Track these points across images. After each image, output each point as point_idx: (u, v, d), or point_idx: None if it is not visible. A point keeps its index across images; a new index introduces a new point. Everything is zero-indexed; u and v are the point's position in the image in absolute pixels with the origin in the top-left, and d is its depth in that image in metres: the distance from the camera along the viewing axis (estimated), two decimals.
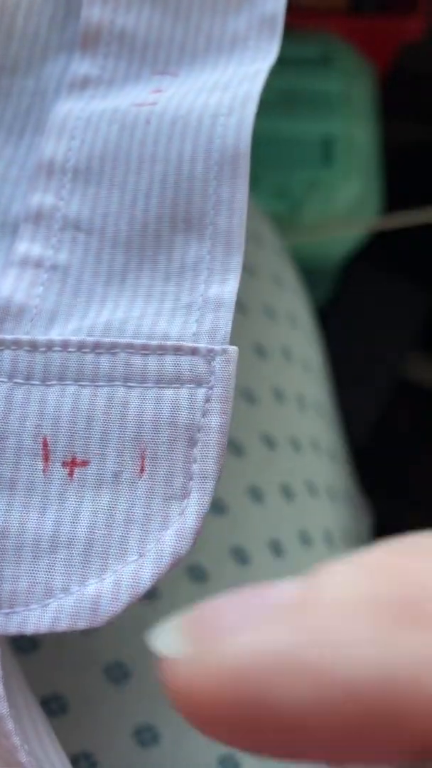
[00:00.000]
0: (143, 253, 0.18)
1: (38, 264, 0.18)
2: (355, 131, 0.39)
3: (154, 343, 0.17)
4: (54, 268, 0.18)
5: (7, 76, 0.21)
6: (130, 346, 0.17)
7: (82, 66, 0.20)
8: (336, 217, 0.38)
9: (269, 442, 0.27)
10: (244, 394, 0.27)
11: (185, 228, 0.18)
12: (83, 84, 0.20)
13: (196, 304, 0.17)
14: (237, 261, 0.17)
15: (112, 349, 0.17)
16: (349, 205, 0.38)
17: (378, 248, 0.47)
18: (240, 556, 0.25)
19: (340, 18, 0.43)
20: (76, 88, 0.20)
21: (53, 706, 0.21)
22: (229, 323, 0.17)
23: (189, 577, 0.24)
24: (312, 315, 0.34)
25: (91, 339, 0.17)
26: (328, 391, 0.34)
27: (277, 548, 0.26)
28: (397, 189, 0.44)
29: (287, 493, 0.27)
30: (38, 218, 0.18)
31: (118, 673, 0.22)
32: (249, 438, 0.27)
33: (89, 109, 0.19)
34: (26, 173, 0.19)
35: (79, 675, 0.21)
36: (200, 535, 0.15)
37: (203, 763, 0.21)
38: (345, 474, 0.33)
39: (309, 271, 0.41)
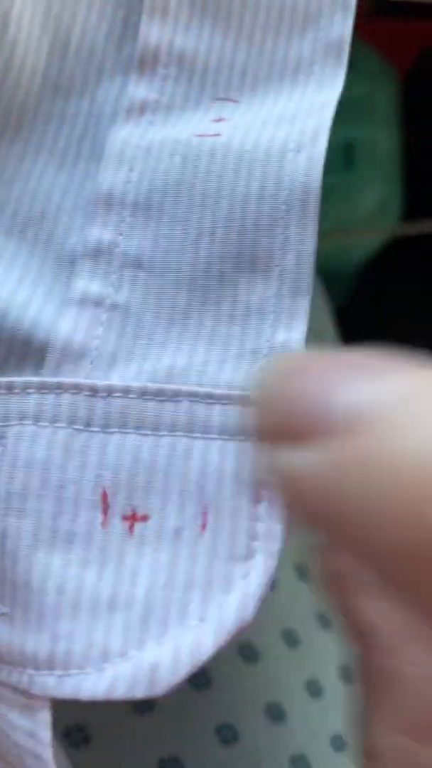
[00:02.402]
0: (207, 294, 0.17)
1: (98, 303, 0.17)
2: (377, 135, 0.39)
3: (218, 392, 0.16)
4: (114, 307, 0.17)
5: (61, 98, 0.20)
6: (194, 394, 0.16)
7: (140, 89, 0.19)
8: (357, 223, 0.38)
9: None
10: None
11: (251, 269, 0.17)
12: (141, 109, 0.19)
13: (262, 350, 0.16)
14: (304, 305, 0.17)
15: (175, 396, 0.16)
16: (371, 211, 0.38)
17: (397, 253, 0.47)
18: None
19: (362, 21, 0.42)
20: (134, 113, 0.19)
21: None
22: None
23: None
24: None
25: (153, 385, 0.16)
26: None
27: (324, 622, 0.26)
28: (419, 194, 0.44)
29: None
30: (97, 254, 0.18)
31: (227, 734, 0.22)
32: None
33: (148, 138, 0.18)
34: (81, 203, 0.19)
35: (195, 736, 0.21)
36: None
37: None
38: None
39: (325, 276, 0.40)
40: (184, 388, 0.16)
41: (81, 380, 0.16)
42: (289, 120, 0.18)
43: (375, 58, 0.41)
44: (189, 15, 0.20)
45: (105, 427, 0.16)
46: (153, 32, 0.19)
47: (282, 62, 0.19)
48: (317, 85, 0.19)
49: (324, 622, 0.25)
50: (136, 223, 0.18)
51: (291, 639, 0.24)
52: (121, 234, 0.18)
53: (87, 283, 0.17)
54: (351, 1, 0.20)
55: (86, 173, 0.19)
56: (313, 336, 0.31)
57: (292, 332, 0.16)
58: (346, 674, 0.25)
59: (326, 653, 0.25)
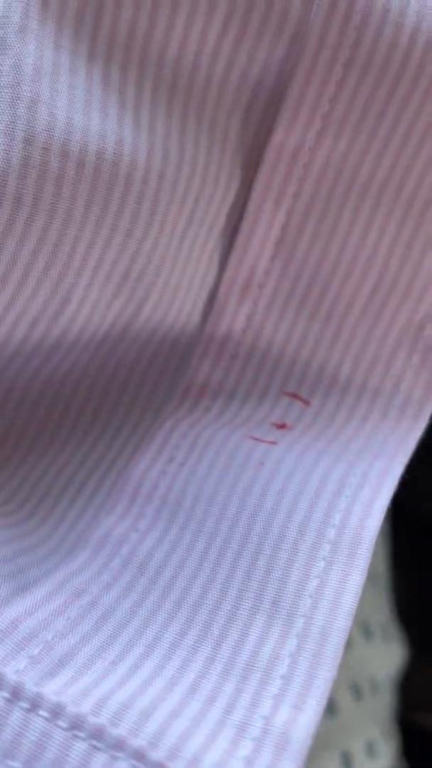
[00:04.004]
0: (208, 629, 0.14)
1: (78, 592, 0.14)
2: None
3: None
4: (93, 604, 0.14)
5: (112, 397, 0.17)
6: (141, 756, 0.11)
7: (203, 367, 0.17)
8: None
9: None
10: None
11: (270, 611, 0.14)
12: (201, 390, 0.16)
13: (252, 728, 0.12)
14: (326, 678, 0.13)
15: (115, 747, 0.12)
16: None
17: None
18: None
19: None
20: (192, 395, 0.16)
21: None
22: None
23: None
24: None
25: (93, 720, 0.12)
26: None
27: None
28: None
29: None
30: (100, 545, 0.15)
31: None
32: None
33: (199, 427, 0.16)
34: (107, 484, 0.16)
35: None
36: None
37: None
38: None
39: None
40: (133, 741, 0.12)
41: (8, 672, 0.13)
42: (357, 451, 0.15)
43: None
44: (273, 294, 0.17)
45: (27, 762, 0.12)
46: (229, 308, 0.17)
47: (370, 361, 0.16)
48: (402, 402, 0.16)
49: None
50: (158, 521, 0.15)
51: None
52: (136, 530, 0.15)
53: (79, 567, 0.15)
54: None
55: (121, 450, 0.17)
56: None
57: (301, 715, 0.12)
58: None
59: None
